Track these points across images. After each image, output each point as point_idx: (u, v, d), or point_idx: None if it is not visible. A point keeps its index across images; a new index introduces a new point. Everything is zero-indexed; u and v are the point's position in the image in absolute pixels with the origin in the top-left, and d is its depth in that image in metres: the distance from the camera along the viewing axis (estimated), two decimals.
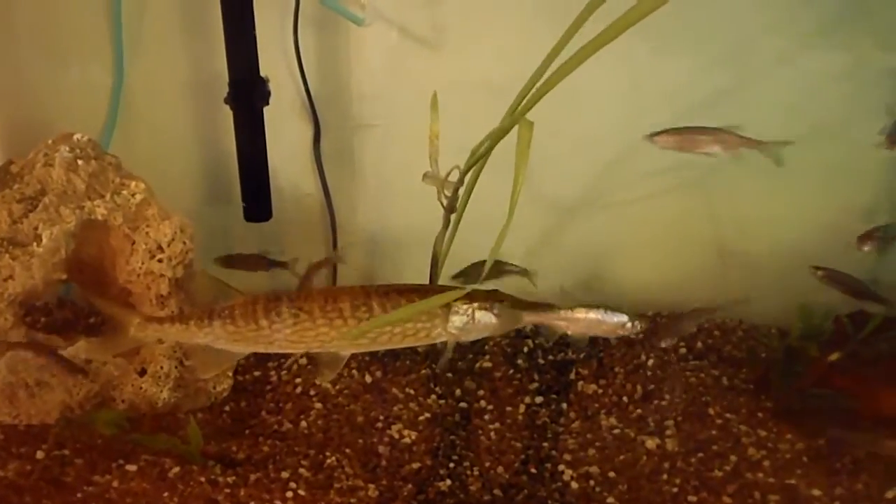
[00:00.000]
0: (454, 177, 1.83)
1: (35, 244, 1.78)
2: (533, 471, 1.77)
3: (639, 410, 1.93)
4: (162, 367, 1.85)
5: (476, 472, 1.76)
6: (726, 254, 2.25)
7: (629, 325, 1.59)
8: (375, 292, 1.54)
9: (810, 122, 2.09)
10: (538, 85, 1.59)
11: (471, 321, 1.54)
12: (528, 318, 1.62)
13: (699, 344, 2.15)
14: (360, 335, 1.52)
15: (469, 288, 1.52)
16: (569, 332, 1.62)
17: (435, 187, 1.85)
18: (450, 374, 2.04)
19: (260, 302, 1.53)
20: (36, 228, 1.78)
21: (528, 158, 1.45)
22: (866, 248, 1.79)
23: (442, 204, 1.87)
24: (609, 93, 2.07)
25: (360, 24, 2.00)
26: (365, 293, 1.54)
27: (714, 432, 1.86)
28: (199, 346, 1.58)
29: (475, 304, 1.53)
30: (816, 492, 1.71)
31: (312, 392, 1.98)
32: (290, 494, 1.67)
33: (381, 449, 1.82)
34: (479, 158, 1.75)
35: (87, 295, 1.87)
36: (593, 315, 1.59)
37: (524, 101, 1.62)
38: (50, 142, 1.83)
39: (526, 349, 2.13)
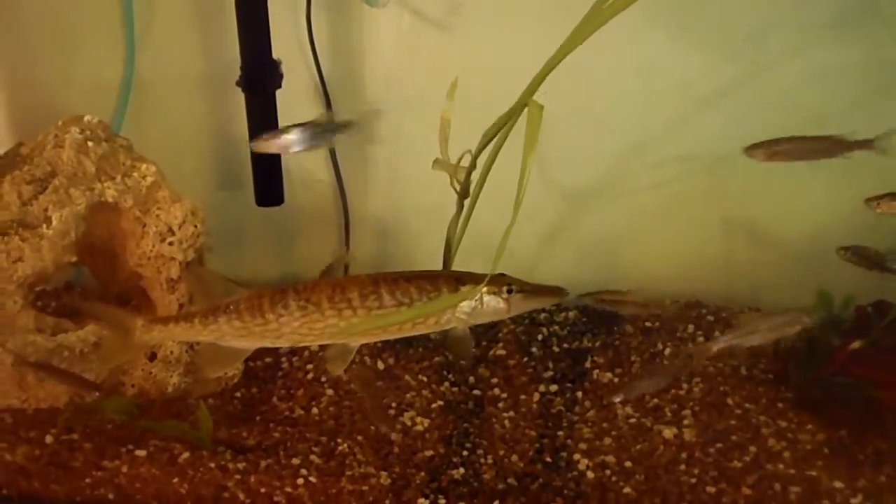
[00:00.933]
0: (465, 161, 1.80)
1: (45, 226, 1.76)
2: (548, 460, 1.74)
3: (655, 400, 1.90)
4: (172, 352, 1.83)
5: (490, 461, 1.73)
6: (739, 243, 2.22)
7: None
8: (384, 280, 1.51)
9: (822, 115, 2.05)
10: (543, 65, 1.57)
11: (479, 306, 1.52)
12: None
13: (717, 334, 2.11)
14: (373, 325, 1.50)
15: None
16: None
17: (447, 172, 1.83)
18: (463, 362, 2.01)
19: (266, 295, 1.51)
20: (46, 210, 1.76)
21: (536, 142, 1.43)
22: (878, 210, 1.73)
23: (455, 189, 1.85)
24: (622, 80, 2.04)
25: (375, 5, 1.97)
26: (373, 281, 1.51)
27: (733, 422, 1.83)
28: (205, 343, 1.56)
29: (483, 289, 1.51)
30: (838, 484, 1.67)
31: (324, 378, 1.96)
32: (300, 481, 1.66)
33: (393, 436, 1.79)
34: (488, 142, 1.72)
35: (85, 305, 1.84)
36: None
37: (532, 85, 1.61)
38: (60, 123, 1.82)
39: (540, 337, 2.10)
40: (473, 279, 1.53)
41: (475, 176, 1.81)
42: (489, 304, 1.54)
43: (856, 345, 1.77)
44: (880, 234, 2.07)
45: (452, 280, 1.54)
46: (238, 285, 1.54)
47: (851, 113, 2.02)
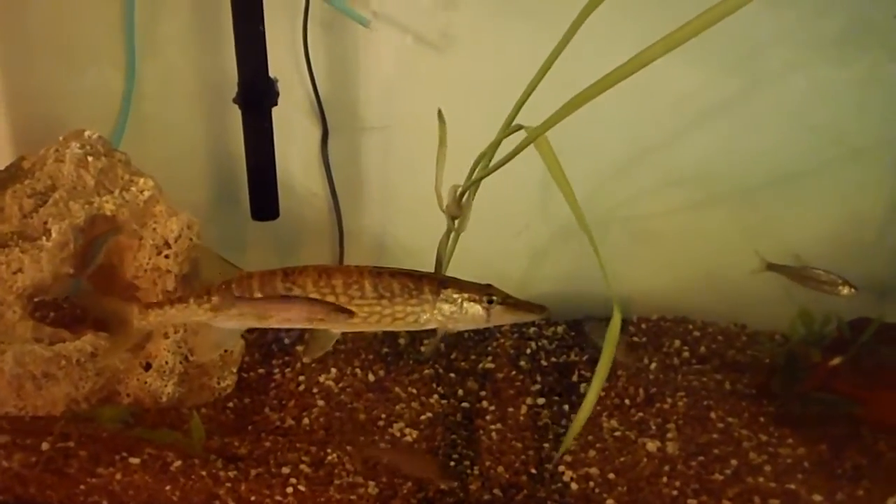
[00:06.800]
0: (448, 196, 1.84)
1: (44, 238, 1.81)
2: (533, 471, 1.77)
3: (640, 413, 1.93)
4: (167, 363, 1.87)
5: (476, 472, 1.77)
6: (732, 260, 2.25)
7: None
8: (368, 272, 1.57)
9: (820, 133, 2.09)
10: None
11: (459, 310, 1.56)
12: None
13: (702, 349, 2.15)
14: None
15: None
16: None
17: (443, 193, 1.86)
18: (452, 375, 2.05)
19: (255, 276, 1.56)
20: (45, 223, 1.81)
21: (561, 169, 1.50)
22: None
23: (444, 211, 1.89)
24: (616, 99, 2.07)
25: (366, 25, 2.02)
26: (358, 272, 1.57)
27: (715, 436, 1.86)
28: (198, 327, 1.59)
29: (465, 295, 1.56)
30: (817, 497, 1.70)
31: (315, 390, 1.99)
32: (290, 490, 1.68)
33: (382, 447, 1.82)
34: (489, 172, 1.75)
35: (81, 298, 1.87)
36: None
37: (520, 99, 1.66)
38: (61, 138, 1.87)
39: (529, 350, 2.14)
40: (456, 284, 1.59)
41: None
42: (469, 311, 1.58)
43: (834, 362, 1.81)
44: (870, 254, 2.12)
45: (436, 282, 1.59)
46: (234, 266, 1.58)
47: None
